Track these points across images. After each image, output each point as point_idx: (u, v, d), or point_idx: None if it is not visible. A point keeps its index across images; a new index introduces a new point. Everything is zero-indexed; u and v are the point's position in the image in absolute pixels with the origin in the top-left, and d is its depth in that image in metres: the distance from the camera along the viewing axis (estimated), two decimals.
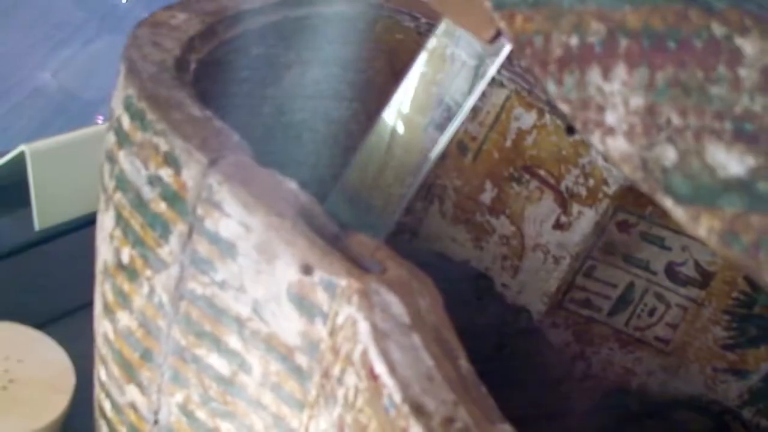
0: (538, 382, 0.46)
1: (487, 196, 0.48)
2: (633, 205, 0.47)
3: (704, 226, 0.21)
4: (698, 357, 0.50)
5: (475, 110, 0.47)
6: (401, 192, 0.48)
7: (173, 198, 0.34)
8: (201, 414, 0.37)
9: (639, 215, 0.48)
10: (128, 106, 0.36)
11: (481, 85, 0.32)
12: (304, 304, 0.32)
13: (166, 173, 0.34)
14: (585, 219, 0.47)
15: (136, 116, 0.35)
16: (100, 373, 0.42)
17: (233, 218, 0.33)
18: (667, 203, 0.22)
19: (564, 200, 0.47)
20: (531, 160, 0.47)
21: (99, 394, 0.42)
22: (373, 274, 0.31)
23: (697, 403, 0.49)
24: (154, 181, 0.35)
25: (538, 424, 0.44)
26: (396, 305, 0.30)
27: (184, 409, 0.37)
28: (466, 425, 0.27)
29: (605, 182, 0.46)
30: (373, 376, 0.29)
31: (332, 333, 0.31)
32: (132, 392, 0.39)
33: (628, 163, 0.22)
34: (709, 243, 0.21)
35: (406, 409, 0.27)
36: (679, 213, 0.21)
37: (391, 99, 0.46)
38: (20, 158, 0.54)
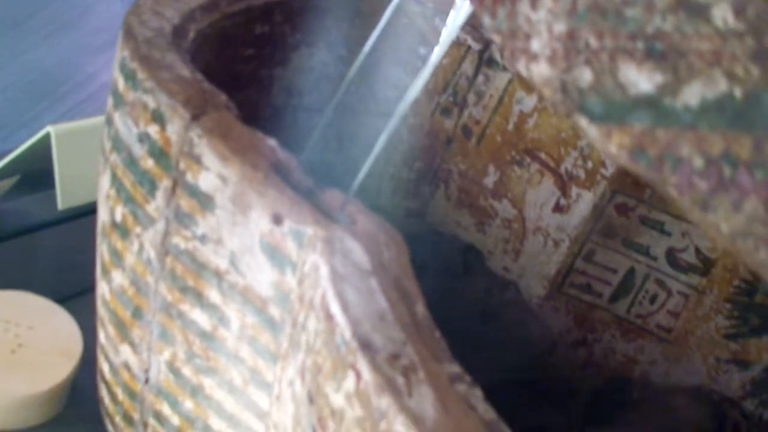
0: (521, 353, 0.46)
1: (490, 180, 0.49)
2: (631, 188, 0.47)
3: (615, 143, 0.21)
4: (700, 346, 0.49)
5: (479, 94, 0.48)
6: (409, 176, 0.48)
7: (159, 154, 0.35)
8: (186, 371, 0.38)
9: (638, 198, 0.48)
10: (122, 68, 0.37)
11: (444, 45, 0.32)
12: (275, 255, 0.33)
13: (153, 130, 0.35)
14: (583, 201, 0.47)
15: (129, 77, 0.36)
16: (100, 336, 0.43)
17: (211, 171, 0.34)
18: (582, 123, 0.22)
19: (563, 183, 0.48)
20: (532, 143, 0.47)
21: (99, 358, 0.44)
22: (340, 224, 0.32)
23: (698, 393, 0.49)
24: (143, 138, 0.36)
25: (518, 393, 0.44)
26: (358, 252, 0.31)
27: (171, 367, 0.38)
28: (412, 362, 0.28)
29: (603, 164, 0.47)
30: (328, 317, 0.29)
31: (300, 282, 0.32)
32: (125, 352, 0.40)
33: (549, 86, 0.23)
34: (620, 160, 0.22)
35: (354, 344, 0.28)
36: (592, 131, 0.22)
37: (398, 82, 0.46)
38: (46, 140, 0.55)
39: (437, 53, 0.31)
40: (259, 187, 0.32)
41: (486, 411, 0.27)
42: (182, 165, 0.34)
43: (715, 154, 0.20)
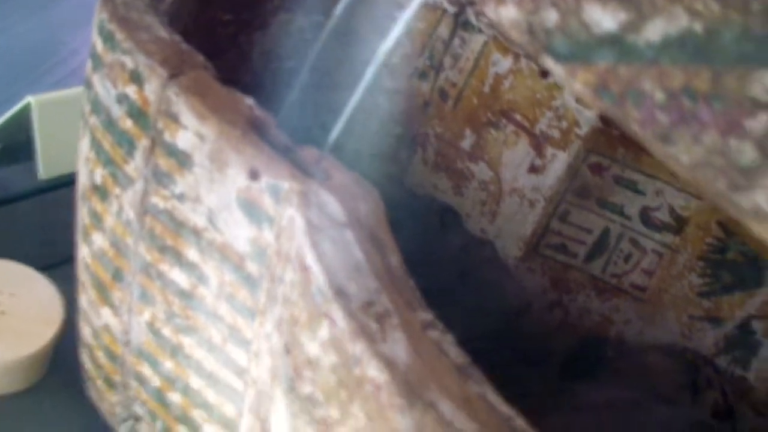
0: (496, 310, 0.47)
1: (466, 143, 0.49)
2: (605, 147, 0.48)
3: (580, 81, 0.22)
4: (674, 304, 0.50)
5: (455, 57, 0.48)
6: (388, 141, 0.49)
7: (138, 114, 0.36)
8: (166, 331, 0.38)
9: (611, 158, 0.48)
10: (101, 30, 0.37)
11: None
12: (252, 211, 0.33)
13: (131, 90, 0.36)
14: (558, 161, 0.48)
15: (108, 38, 0.37)
16: (82, 301, 0.43)
17: (189, 129, 0.34)
18: (549, 63, 0.23)
19: (538, 143, 0.48)
20: (508, 104, 0.48)
21: (81, 323, 0.44)
22: (316, 179, 0.32)
23: (672, 350, 0.49)
24: (121, 99, 0.36)
25: (494, 351, 0.44)
26: (333, 205, 0.31)
27: (152, 328, 0.39)
28: (386, 310, 0.28)
29: (577, 124, 0.47)
30: (304, 268, 0.30)
31: (278, 237, 0.32)
32: (106, 315, 0.41)
33: (517, 28, 0.23)
34: (585, 97, 0.22)
35: (329, 293, 0.28)
36: (558, 71, 0.22)
37: (375, 48, 0.47)
38: (26, 110, 0.56)
39: (405, 16, 0.32)
40: (236, 144, 0.33)
41: (457, 356, 0.28)
42: (160, 124, 0.35)
43: (676, 88, 0.21)
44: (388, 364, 0.27)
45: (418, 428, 0.26)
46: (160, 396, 0.40)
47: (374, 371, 0.27)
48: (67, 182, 0.58)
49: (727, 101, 0.20)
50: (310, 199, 0.31)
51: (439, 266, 0.44)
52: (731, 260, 0.49)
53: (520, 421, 0.26)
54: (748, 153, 0.20)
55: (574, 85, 0.22)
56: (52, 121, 0.55)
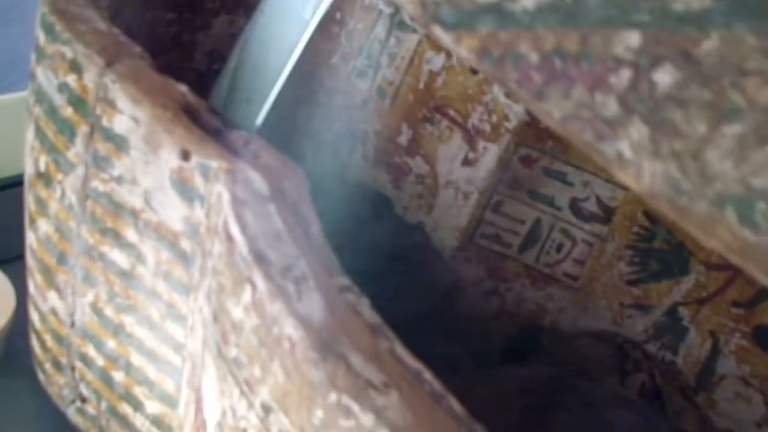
0: (428, 290, 0.49)
1: (403, 138, 0.51)
2: (533, 139, 0.50)
3: (465, 47, 0.24)
4: (605, 293, 0.52)
5: (391, 56, 0.50)
6: (328, 138, 0.51)
7: (77, 101, 0.37)
8: (108, 311, 0.40)
9: (540, 150, 0.50)
10: (42, 22, 0.39)
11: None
12: (184, 190, 0.35)
13: (71, 79, 0.37)
14: (490, 154, 0.50)
15: (49, 30, 0.39)
16: (30, 287, 0.45)
17: (125, 113, 0.36)
18: (438, 31, 0.25)
19: (471, 137, 0.50)
20: (441, 100, 0.50)
21: (30, 309, 0.45)
22: (244, 158, 0.34)
23: (602, 335, 0.51)
24: (62, 88, 0.38)
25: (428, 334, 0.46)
26: (258, 182, 0.33)
27: (95, 308, 0.40)
28: (304, 273, 0.30)
29: (506, 118, 0.49)
30: (229, 238, 0.31)
31: (208, 214, 0.34)
32: (52, 298, 0.42)
33: (411, 2, 0.25)
34: (470, 61, 0.24)
35: (251, 259, 0.30)
36: (445, 38, 0.24)
37: (316, 47, 0.49)
38: None
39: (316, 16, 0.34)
40: (168, 125, 0.35)
41: (372, 317, 0.29)
42: (98, 110, 0.37)
43: (549, 50, 0.23)
44: (303, 321, 0.28)
45: (329, 379, 0.27)
46: (104, 375, 0.41)
47: (290, 329, 0.28)
48: (18, 182, 0.59)
49: (593, 60, 0.22)
50: (236, 176, 0.33)
51: (370, 249, 0.46)
52: (658, 249, 0.51)
53: (428, 375, 0.28)
54: (611, 106, 0.22)
55: (460, 50, 0.24)
56: (4, 121, 0.57)
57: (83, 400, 0.44)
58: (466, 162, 0.51)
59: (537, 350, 0.51)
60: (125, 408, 0.42)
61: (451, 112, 0.50)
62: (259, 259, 0.30)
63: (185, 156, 0.34)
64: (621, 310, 0.52)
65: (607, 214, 0.51)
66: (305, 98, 0.49)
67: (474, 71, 0.49)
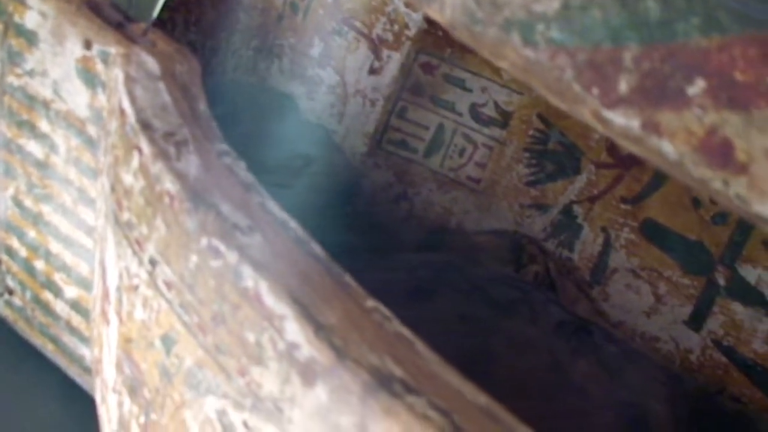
0: (330, 181, 0.52)
1: (315, 51, 0.54)
2: (433, 47, 0.53)
3: None
4: (506, 194, 0.55)
5: None
6: (247, 54, 0.54)
7: None
8: (28, 202, 0.43)
9: (440, 57, 0.54)
10: None
11: None
12: (88, 77, 0.38)
13: None
14: (393, 62, 0.53)
15: None
16: None
17: (34, 9, 0.39)
18: None
19: (376, 47, 0.53)
20: (348, 12, 0.53)
21: None
22: (141, 44, 0.37)
23: (502, 233, 0.54)
24: None
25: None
26: (151, 63, 0.36)
27: (16, 200, 0.43)
28: (185, 138, 0.33)
29: (407, 26, 0.52)
30: (121, 112, 0.35)
31: (109, 98, 0.37)
32: None
33: None
34: None
35: (138, 127, 0.33)
36: None
37: None
38: None
39: None
40: (72, 18, 0.38)
41: (246, 176, 0.33)
42: (11, 8, 0.39)
43: None
44: (180, 177, 0.32)
45: (201, 226, 0.31)
46: (27, 265, 0.45)
47: (169, 184, 0.32)
48: None
49: None
50: (131, 59, 0.36)
51: (274, 147, 0.49)
52: (552, 150, 0.54)
53: (293, 224, 0.31)
54: None
55: None
56: None
57: (10, 292, 0.47)
58: (372, 71, 0.54)
59: (442, 250, 0.54)
60: (47, 295, 0.45)
61: (357, 24, 0.53)
62: (145, 126, 0.33)
63: (87, 45, 0.37)
64: (521, 210, 0.55)
65: (504, 119, 0.54)
66: (225, 17, 0.52)
67: None
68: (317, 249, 0.31)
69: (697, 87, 0.21)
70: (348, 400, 0.27)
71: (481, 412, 0.27)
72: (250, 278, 0.29)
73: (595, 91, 0.22)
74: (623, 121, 0.22)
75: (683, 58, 0.21)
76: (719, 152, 0.21)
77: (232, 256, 0.30)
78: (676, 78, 0.22)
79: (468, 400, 0.27)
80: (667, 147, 0.22)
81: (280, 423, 0.29)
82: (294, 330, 0.28)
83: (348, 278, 0.29)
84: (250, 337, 0.29)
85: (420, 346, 0.28)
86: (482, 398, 0.27)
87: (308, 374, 0.28)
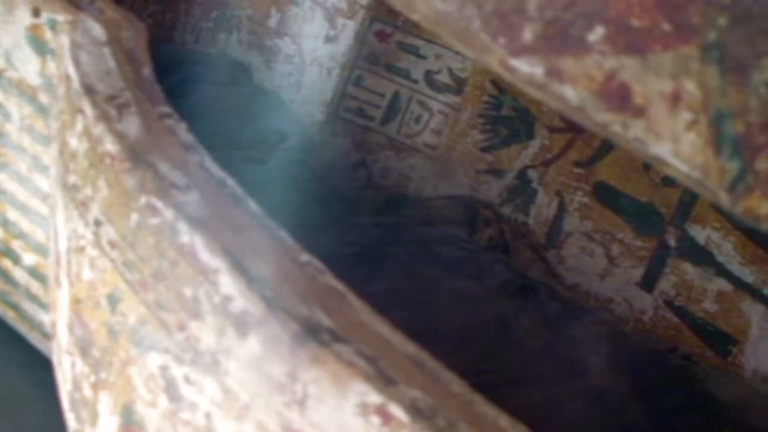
0: (282, 150, 0.53)
1: (273, 21, 0.55)
2: (386, 15, 0.54)
3: None
4: (462, 160, 0.56)
5: None
6: (207, 26, 0.54)
7: None
8: None
9: (393, 25, 0.54)
10: None
11: None
12: (37, 45, 0.39)
13: None
14: (348, 30, 0.54)
15: None
16: None
17: None
18: None
19: (330, 15, 0.54)
20: None
21: None
22: (89, 12, 0.38)
23: (458, 198, 0.55)
24: None
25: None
26: (97, 30, 0.37)
27: None
28: (127, 101, 0.34)
29: None
30: (67, 78, 0.35)
31: (57, 65, 0.38)
32: None
33: None
34: None
35: (81, 91, 0.34)
36: None
37: None
38: None
39: None
40: None
41: (186, 137, 0.33)
42: None
43: None
44: (121, 137, 0.32)
45: (140, 185, 0.31)
46: None
47: (110, 145, 0.32)
48: None
49: None
50: (78, 26, 0.37)
51: (225, 109, 0.49)
52: (506, 116, 0.55)
53: (231, 182, 0.32)
54: None
55: None
56: None
57: None
58: (328, 39, 0.55)
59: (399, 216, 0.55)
60: (6, 263, 0.45)
61: None
62: (89, 90, 0.34)
63: (36, 13, 0.38)
64: (477, 176, 0.56)
65: (458, 85, 0.55)
66: None
67: None
68: (253, 206, 0.31)
69: (596, 33, 0.22)
70: (279, 350, 0.28)
71: (409, 360, 0.28)
72: (186, 234, 0.29)
73: (502, 40, 0.23)
74: (528, 68, 0.23)
75: (584, 6, 0.22)
76: (618, 96, 0.22)
77: (169, 214, 0.30)
78: (577, 25, 0.22)
79: (396, 349, 0.28)
80: (570, 92, 0.22)
81: (217, 375, 0.30)
82: (227, 283, 0.29)
83: (283, 233, 0.30)
84: (188, 292, 0.30)
85: (352, 297, 0.29)
86: (410, 347, 0.28)
87: (242, 326, 0.28)
